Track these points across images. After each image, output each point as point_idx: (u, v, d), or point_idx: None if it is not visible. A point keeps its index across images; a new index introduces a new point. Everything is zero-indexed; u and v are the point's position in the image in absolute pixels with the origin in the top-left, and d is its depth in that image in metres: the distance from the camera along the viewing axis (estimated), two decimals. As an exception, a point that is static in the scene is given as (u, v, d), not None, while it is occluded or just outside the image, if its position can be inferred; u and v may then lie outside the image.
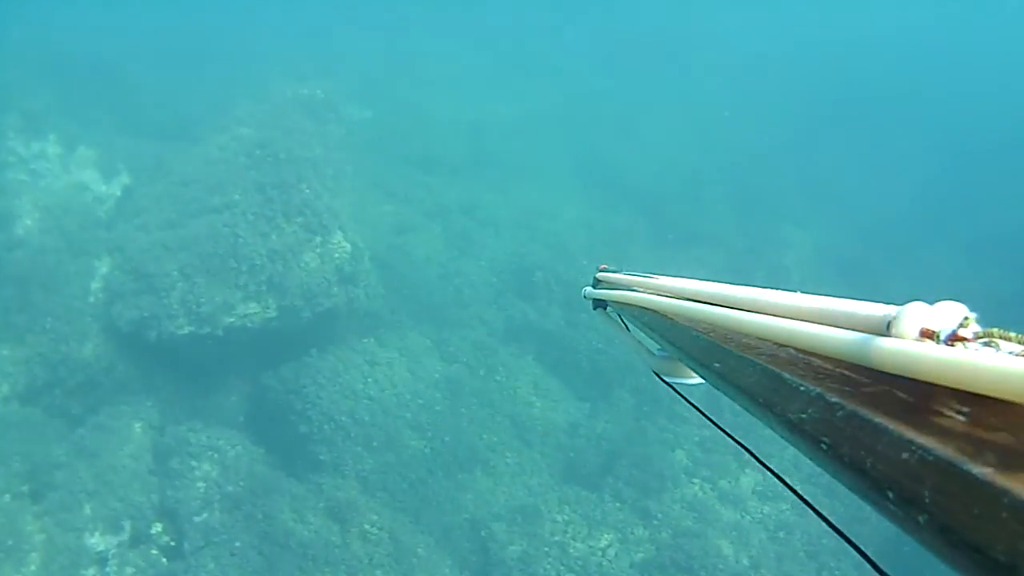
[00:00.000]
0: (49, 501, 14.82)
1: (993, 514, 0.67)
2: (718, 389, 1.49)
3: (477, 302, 22.34)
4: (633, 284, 2.51)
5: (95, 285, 17.63)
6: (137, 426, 16.77)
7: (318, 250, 17.77)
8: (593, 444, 18.55)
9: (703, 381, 1.84)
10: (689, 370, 2.16)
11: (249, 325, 17.40)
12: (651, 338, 2.22)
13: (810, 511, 1.26)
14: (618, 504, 17.06)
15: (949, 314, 0.95)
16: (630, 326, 2.72)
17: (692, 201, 29.12)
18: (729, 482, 17.73)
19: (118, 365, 17.23)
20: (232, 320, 17.15)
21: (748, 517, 17.10)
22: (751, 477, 17.88)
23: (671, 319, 1.93)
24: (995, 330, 0.92)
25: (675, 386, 2.35)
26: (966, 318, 0.94)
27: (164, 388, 17.82)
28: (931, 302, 0.97)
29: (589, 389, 20.35)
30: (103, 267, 17.97)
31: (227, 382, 18.41)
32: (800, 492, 1.34)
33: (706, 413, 1.96)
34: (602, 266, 3.22)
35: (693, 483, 17.68)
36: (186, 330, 16.75)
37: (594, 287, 3.19)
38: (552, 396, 19.84)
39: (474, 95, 36.71)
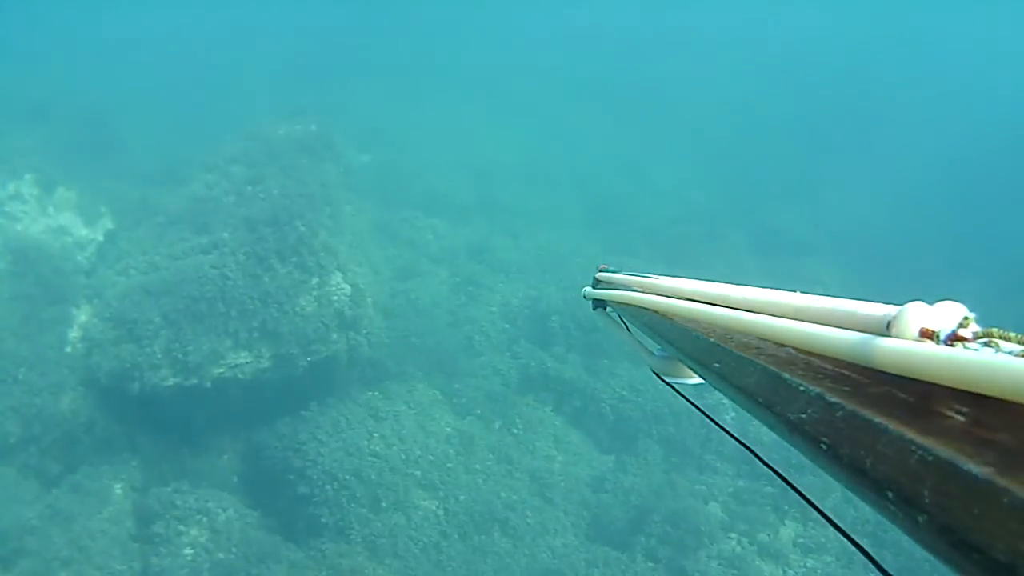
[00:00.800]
0: (20, 569, 13.37)
1: (993, 514, 0.67)
2: (718, 389, 1.51)
3: (489, 350, 21.10)
4: (633, 284, 2.54)
5: (73, 334, 16.40)
6: (117, 487, 15.40)
7: (315, 293, 16.55)
8: (620, 500, 17.19)
9: (703, 381, 1.88)
10: (689, 370, 2.17)
11: (240, 376, 16.11)
12: (651, 338, 2.25)
13: (855, 556, 1.51)
14: (651, 564, 15.75)
15: (949, 314, 0.96)
16: (630, 326, 2.74)
17: (710, 239, 28.10)
18: (768, 535, 16.57)
19: (98, 420, 15.87)
20: (221, 371, 15.86)
21: (791, 572, 15.93)
22: (791, 528, 16.69)
23: (671, 319, 1.96)
24: (995, 330, 0.92)
25: (675, 386, 2.36)
26: (966, 318, 0.95)
27: (149, 446, 16.47)
28: (931, 302, 0.98)
29: (613, 440, 19.04)
30: (82, 315, 16.76)
31: (218, 439, 17.06)
32: (807, 496, 1.33)
33: (706, 411, 2.03)
34: (602, 266, 3.22)
35: (730, 538, 16.60)
36: (171, 382, 15.45)
37: (594, 287, 3.18)
38: (574, 449, 18.51)
39: (477, 141, 36.08)
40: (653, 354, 2.43)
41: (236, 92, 32.54)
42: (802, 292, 1.37)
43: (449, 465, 17.02)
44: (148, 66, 39.55)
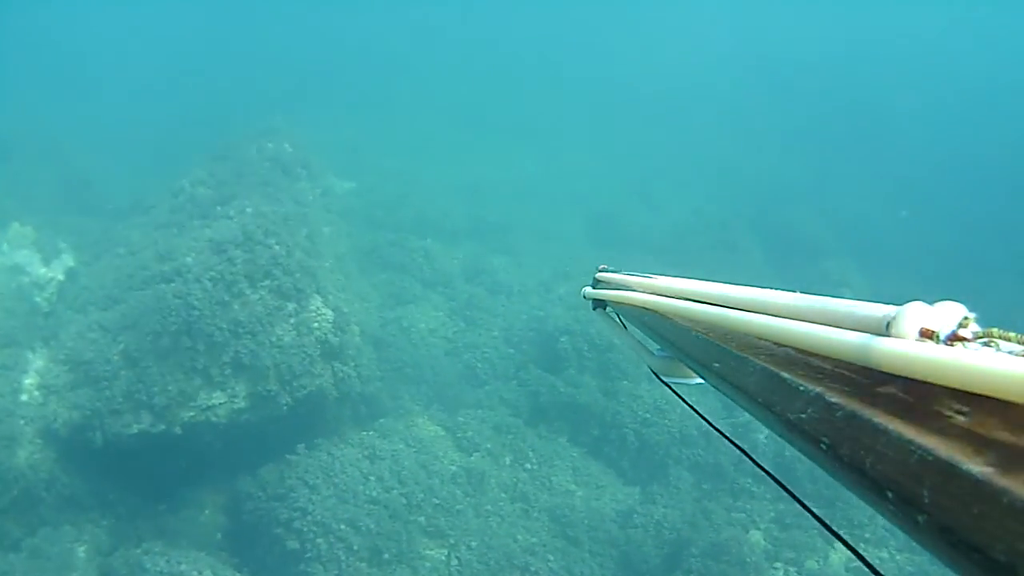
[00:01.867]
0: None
1: (993, 514, 0.68)
2: (718, 389, 1.55)
3: (494, 378, 19.63)
4: (632, 284, 2.56)
5: (28, 380, 14.82)
6: (81, 550, 13.86)
7: (292, 320, 15.02)
8: (652, 534, 15.64)
9: (703, 381, 1.90)
10: (689, 370, 2.18)
11: (214, 419, 14.55)
12: (651, 338, 2.27)
13: None
14: (694, 605, 14.22)
15: (949, 314, 0.97)
16: (629, 326, 2.81)
17: (723, 249, 26.81)
18: (817, 561, 15.37)
19: (60, 476, 14.37)
20: (192, 414, 14.31)
21: (848, 601, 14.63)
22: (841, 552, 15.29)
23: (670, 319, 1.99)
24: (995, 330, 0.93)
25: (674, 386, 2.36)
26: (966, 318, 0.96)
27: (120, 503, 15.02)
28: (931, 302, 0.99)
29: (638, 470, 17.52)
30: (38, 359, 15.20)
31: (197, 492, 15.54)
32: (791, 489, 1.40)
33: (700, 412, 2.00)
34: (602, 266, 3.24)
35: (776, 568, 15.42)
36: (135, 429, 13.89)
37: (594, 287, 3.22)
38: (595, 481, 16.96)
39: (466, 162, 34.89)
40: (653, 354, 2.44)
41: (205, 116, 31.30)
42: (802, 292, 1.36)
43: (457, 508, 15.47)
44: (113, 96, 38.83)
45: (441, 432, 17.65)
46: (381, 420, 17.40)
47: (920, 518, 0.78)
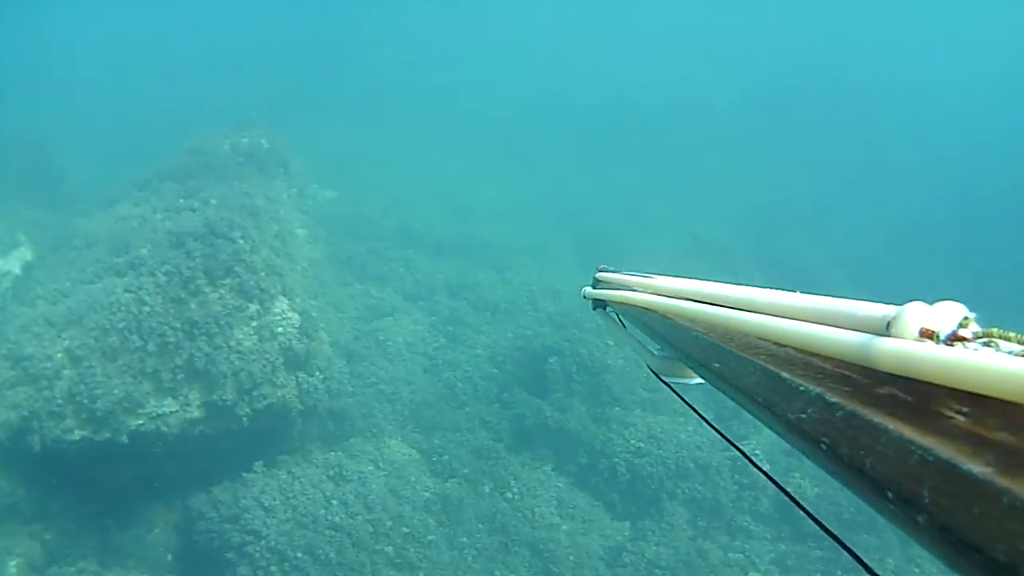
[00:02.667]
0: None
1: (993, 514, 0.68)
2: (718, 389, 1.54)
3: (475, 399, 18.41)
4: (632, 284, 2.61)
5: (-36, 378, 13.58)
6: (12, 565, 12.60)
7: (254, 323, 13.78)
8: (643, 575, 14.40)
9: (703, 381, 1.90)
10: (689, 370, 2.19)
11: (165, 429, 13.29)
12: (651, 338, 2.27)
13: None
14: (689, 655, 13.05)
15: (949, 314, 0.98)
16: (629, 326, 2.78)
17: (725, 273, 25.77)
18: None
19: (-2, 482, 13.12)
20: (141, 422, 13.05)
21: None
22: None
23: (670, 319, 1.99)
24: (995, 330, 0.93)
25: (674, 386, 2.36)
26: (966, 318, 0.97)
27: (65, 515, 13.74)
28: (931, 302, 1.00)
29: (629, 503, 16.30)
30: (-23, 357, 13.97)
31: (148, 508, 14.35)
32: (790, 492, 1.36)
33: (699, 412, 2.01)
34: (601, 266, 3.27)
35: None
36: (77, 435, 12.62)
37: (593, 287, 3.25)
38: (582, 515, 15.70)
39: (454, 177, 33.80)
40: (653, 354, 2.44)
41: (184, 112, 30.24)
42: (802, 292, 1.39)
43: (430, 538, 14.23)
44: (93, 90, 38.03)
45: (415, 455, 16.45)
46: (351, 440, 16.19)
47: (920, 518, 0.77)
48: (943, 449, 0.79)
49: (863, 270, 27.95)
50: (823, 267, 28.68)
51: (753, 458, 1.89)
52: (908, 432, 0.86)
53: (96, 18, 61.10)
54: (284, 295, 14.39)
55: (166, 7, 62.43)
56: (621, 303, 2.64)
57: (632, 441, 16.74)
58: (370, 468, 15.15)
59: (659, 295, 2.18)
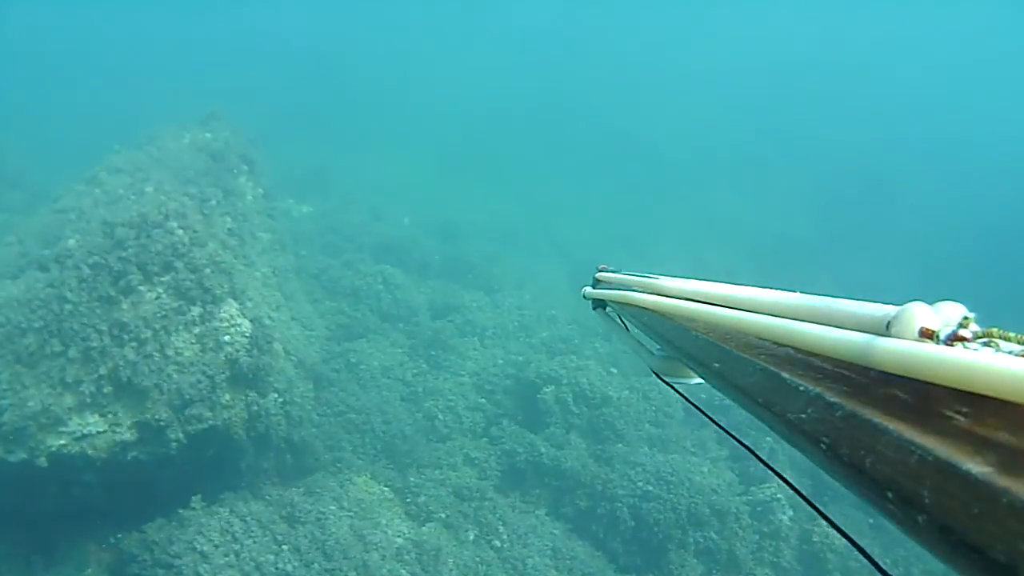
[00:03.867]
0: None
1: (993, 514, 0.69)
2: (718, 389, 1.56)
3: (459, 433, 16.44)
4: (633, 284, 2.62)
5: None
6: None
7: (196, 329, 11.70)
8: (652, 641, 12.44)
9: (703, 381, 1.93)
10: (689, 370, 2.19)
11: (92, 453, 11.19)
12: (651, 338, 2.31)
13: None
14: None
15: (949, 314, 0.98)
16: (630, 326, 2.83)
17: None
18: None
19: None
20: (63, 442, 10.96)
21: None
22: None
23: (671, 319, 2.01)
24: (995, 330, 0.94)
25: (675, 386, 2.37)
26: (966, 318, 0.97)
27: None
28: (931, 302, 1.00)
29: (633, 554, 14.37)
30: None
31: (79, 545, 12.26)
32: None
33: (703, 410, 2.04)
34: (601, 266, 3.32)
35: None
36: (-17, 455, 10.58)
37: (594, 287, 3.28)
38: (581, 567, 13.67)
39: (445, 201, 31.88)
40: (653, 354, 2.45)
41: (148, 107, 28.48)
42: (802, 292, 1.39)
43: (401, 593, 12.16)
44: (51, 87, 36.72)
45: (387, 494, 14.40)
46: (313, 475, 14.16)
47: (920, 518, 0.78)
48: (943, 449, 0.78)
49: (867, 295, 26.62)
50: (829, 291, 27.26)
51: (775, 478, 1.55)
52: (908, 432, 0.85)
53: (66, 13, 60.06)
54: (234, 298, 12.35)
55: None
56: (621, 303, 2.66)
57: (638, 483, 14.75)
58: (332, 508, 13.06)
59: (659, 295, 2.17)
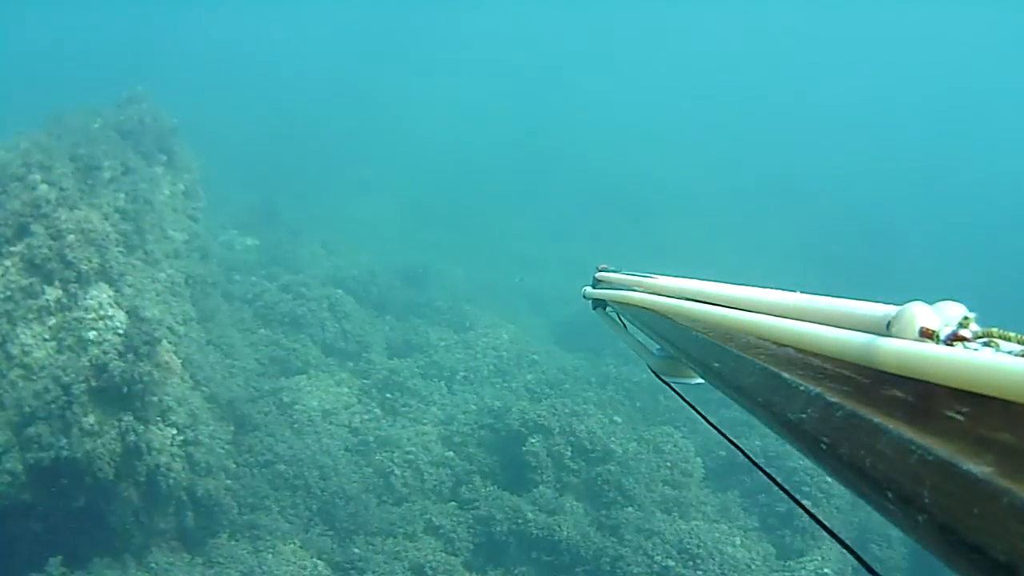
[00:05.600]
0: None
1: (993, 514, 0.68)
2: (718, 389, 1.55)
3: (420, 493, 13.26)
4: (633, 284, 2.60)
5: None
6: None
7: (52, 319, 8.51)
8: None
9: (703, 381, 1.95)
10: (689, 370, 2.25)
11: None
12: (651, 338, 2.35)
13: None
14: None
15: (949, 314, 0.98)
16: (629, 326, 2.85)
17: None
18: None
19: None
20: None
21: None
22: None
23: (671, 319, 2.01)
24: (995, 330, 0.94)
25: (674, 386, 2.37)
26: (966, 318, 0.97)
27: None
28: (931, 302, 0.99)
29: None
30: None
31: None
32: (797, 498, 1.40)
33: (700, 411, 2.03)
34: (601, 266, 3.29)
35: None
36: None
37: (593, 287, 3.28)
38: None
39: (413, 247, 28.83)
40: (653, 354, 2.46)
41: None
42: (802, 292, 1.38)
43: None
44: None
45: (322, 569, 11.19)
46: (220, 539, 10.77)
47: (920, 518, 0.78)
48: (943, 449, 0.78)
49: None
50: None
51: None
52: (908, 432, 0.85)
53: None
54: (107, 282, 9.10)
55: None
56: (621, 303, 2.67)
57: (656, 557, 11.59)
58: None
59: (659, 295, 2.17)
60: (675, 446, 14.09)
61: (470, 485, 13.21)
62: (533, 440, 13.43)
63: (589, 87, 66.29)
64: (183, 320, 11.93)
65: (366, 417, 14.55)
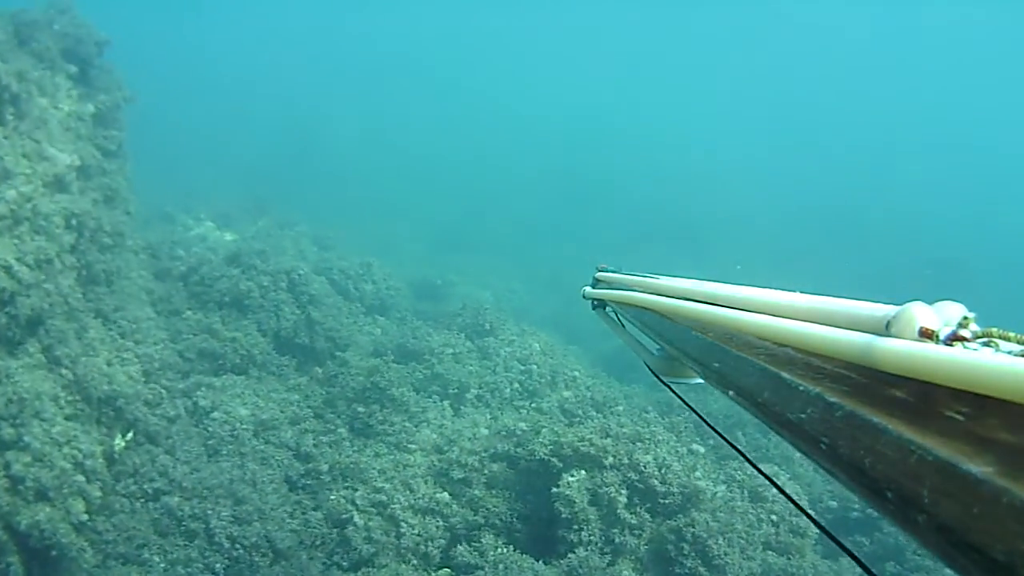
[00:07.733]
0: None
1: (992, 514, 0.69)
2: (717, 389, 1.55)
3: (394, 555, 9.36)
4: (633, 284, 2.64)
5: None
6: None
7: None
8: None
9: (702, 381, 1.98)
10: (689, 370, 2.28)
11: None
12: (650, 338, 2.32)
13: None
14: None
15: (949, 314, 0.99)
16: (629, 326, 2.86)
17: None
18: None
19: None
20: None
21: None
22: None
23: (671, 319, 2.03)
24: (994, 330, 0.95)
25: (674, 386, 2.37)
26: (965, 318, 0.98)
27: None
28: (931, 302, 1.00)
29: None
30: None
31: None
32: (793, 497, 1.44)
33: (698, 412, 2.04)
34: (601, 266, 3.33)
35: None
36: None
37: (593, 287, 3.31)
38: None
39: (422, 265, 25.14)
40: (652, 354, 2.47)
41: None
42: (802, 292, 1.38)
43: None
44: None
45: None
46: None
47: (920, 518, 0.78)
48: (943, 449, 0.79)
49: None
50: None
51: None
52: (908, 432, 0.86)
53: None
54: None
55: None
56: (621, 303, 2.68)
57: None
58: None
59: (659, 295, 2.18)
60: (775, 497, 9.69)
61: (473, 544, 8.88)
62: (570, 478, 9.07)
63: (648, 118, 65.06)
64: (40, 265, 7.89)
65: (324, 438, 10.29)
